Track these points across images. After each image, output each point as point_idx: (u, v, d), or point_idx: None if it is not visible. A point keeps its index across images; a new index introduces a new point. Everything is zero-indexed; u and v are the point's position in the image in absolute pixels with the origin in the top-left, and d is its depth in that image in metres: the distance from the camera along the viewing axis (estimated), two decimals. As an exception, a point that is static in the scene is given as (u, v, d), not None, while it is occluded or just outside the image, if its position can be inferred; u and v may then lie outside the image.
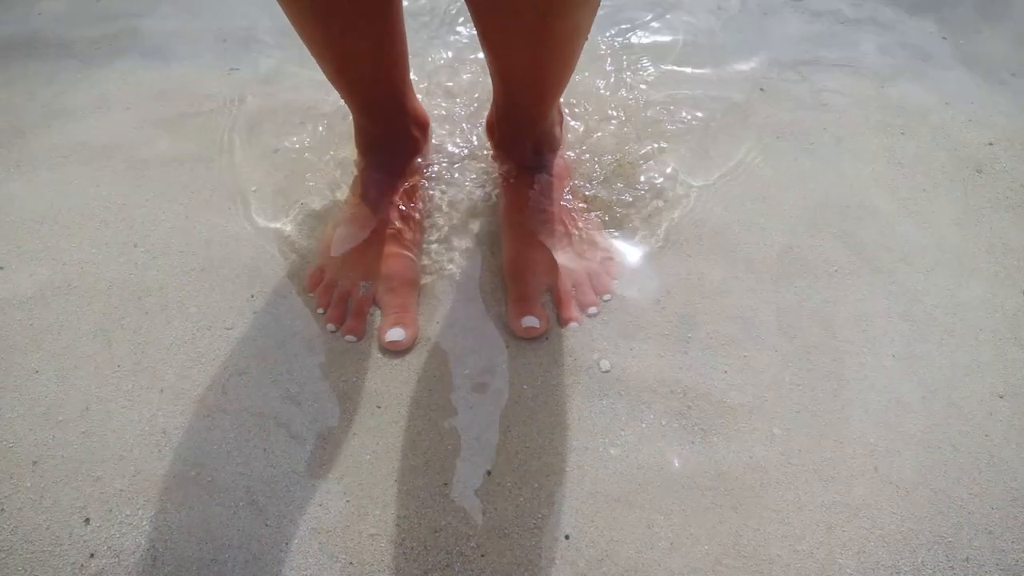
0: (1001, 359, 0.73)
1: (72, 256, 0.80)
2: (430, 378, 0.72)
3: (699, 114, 0.97)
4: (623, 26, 1.11)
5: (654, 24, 1.12)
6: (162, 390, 0.71)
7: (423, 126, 0.82)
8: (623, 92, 0.99)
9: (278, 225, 0.83)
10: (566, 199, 0.82)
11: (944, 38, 1.04)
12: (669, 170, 0.89)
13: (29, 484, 0.65)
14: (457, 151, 0.90)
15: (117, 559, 0.62)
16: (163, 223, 0.83)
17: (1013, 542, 0.61)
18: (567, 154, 0.88)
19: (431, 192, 0.85)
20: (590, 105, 0.96)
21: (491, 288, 0.79)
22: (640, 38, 1.09)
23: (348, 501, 0.65)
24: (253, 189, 0.86)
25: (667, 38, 1.09)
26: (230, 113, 0.94)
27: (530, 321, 0.73)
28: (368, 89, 0.72)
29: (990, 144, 0.91)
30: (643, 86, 1.00)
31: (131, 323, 0.76)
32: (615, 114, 0.95)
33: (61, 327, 0.75)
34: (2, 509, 0.64)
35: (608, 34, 1.09)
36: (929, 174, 0.88)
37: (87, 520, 0.63)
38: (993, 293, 0.79)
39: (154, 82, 0.98)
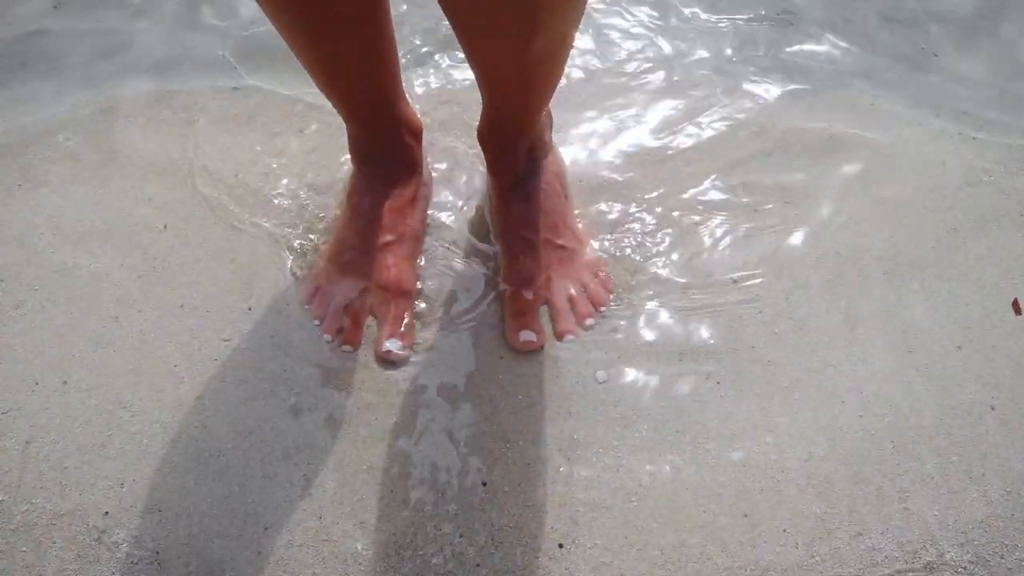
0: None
1: (71, 267, 0.81)
2: (426, 389, 0.73)
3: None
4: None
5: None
6: (159, 400, 0.71)
7: (417, 134, 0.82)
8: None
9: (276, 235, 0.84)
10: (562, 211, 0.82)
11: (935, 55, 1.06)
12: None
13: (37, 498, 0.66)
14: (453, 161, 0.91)
15: (117, 567, 0.62)
16: (161, 235, 0.83)
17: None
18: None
19: (427, 201, 0.86)
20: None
21: (488, 300, 0.79)
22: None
23: (344, 512, 0.65)
24: (251, 199, 0.87)
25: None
26: (230, 126, 0.95)
27: (528, 336, 0.74)
28: (361, 98, 0.72)
29: (979, 157, 0.93)
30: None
31: (129, 333, 0.76)
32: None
33: (60, 337, 0.76)
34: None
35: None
36: (919, 188, 0.89)
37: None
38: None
39: (154, 94, 0.99)
